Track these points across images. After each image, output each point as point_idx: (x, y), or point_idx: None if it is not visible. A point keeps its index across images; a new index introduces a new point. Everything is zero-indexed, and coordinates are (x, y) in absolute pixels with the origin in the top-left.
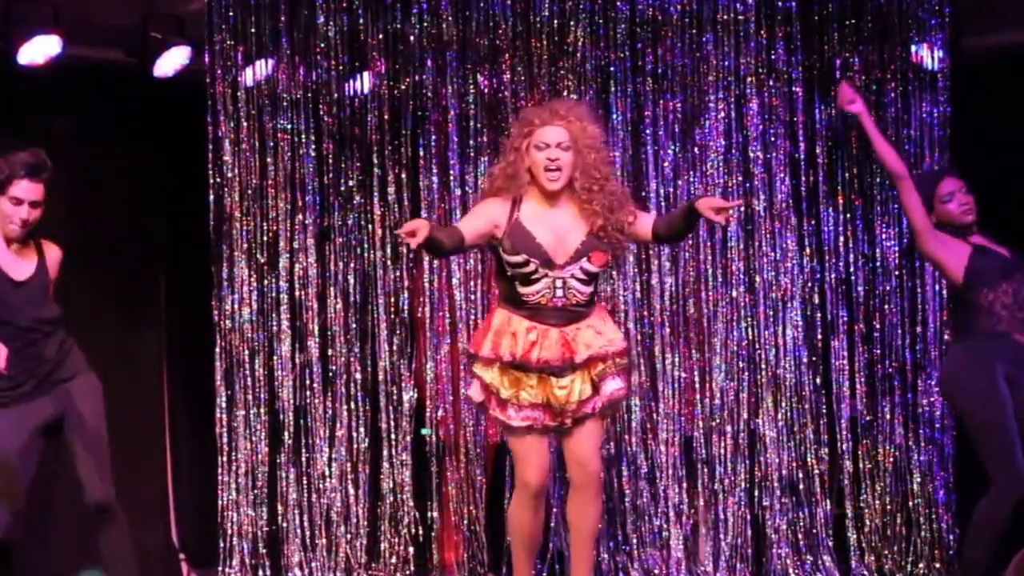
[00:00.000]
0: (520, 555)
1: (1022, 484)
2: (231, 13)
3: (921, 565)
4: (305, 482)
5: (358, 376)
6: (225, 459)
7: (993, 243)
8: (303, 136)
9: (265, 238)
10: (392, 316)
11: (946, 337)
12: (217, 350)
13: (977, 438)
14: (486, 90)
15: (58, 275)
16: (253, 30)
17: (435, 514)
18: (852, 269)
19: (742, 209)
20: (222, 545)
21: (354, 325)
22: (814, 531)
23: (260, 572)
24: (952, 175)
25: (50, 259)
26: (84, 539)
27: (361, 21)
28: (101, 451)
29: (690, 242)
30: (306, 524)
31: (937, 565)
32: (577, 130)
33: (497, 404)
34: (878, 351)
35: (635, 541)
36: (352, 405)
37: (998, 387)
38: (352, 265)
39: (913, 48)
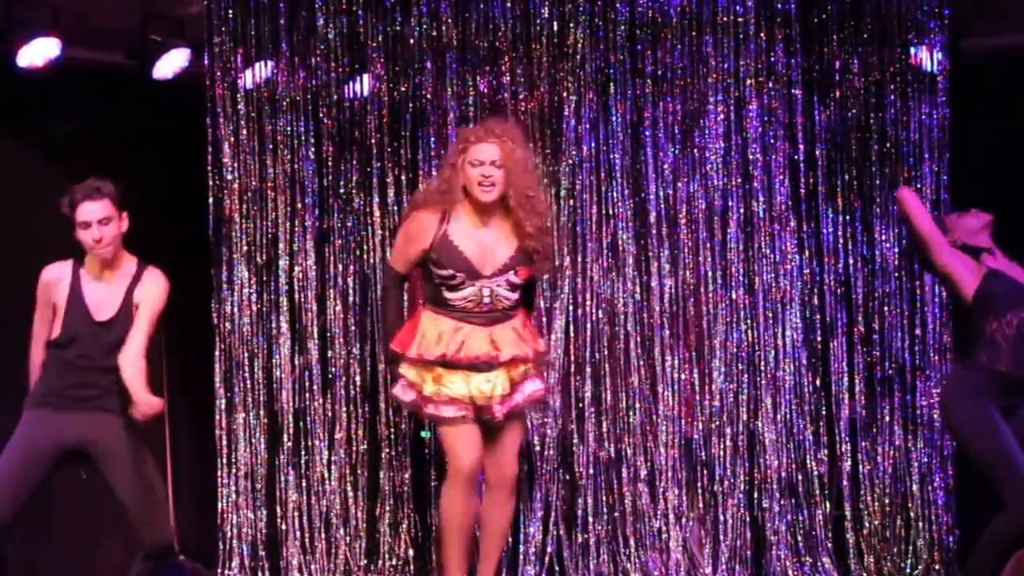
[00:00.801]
0: (453, 546)
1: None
2: (230, 15)
3: (920, 567)
4: (304, 484)
5: (357, 378)
6: (224, 461)
7: (1008, 261)
8: (302, 138)
9: (264, 240)
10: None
11: (946, 339)
12: (216, 352)
13: (979, 467)
14: (486, 92)
15: (161, 307)
16: (253, 32)
17: (434, 517)
18: (851, 271)
19: (742, 211)
20: (222, 547)
21: (354, 327)
22: (813, 533)
23: (259, 574)
24: (974, 209)
25: (143, 294)
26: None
27: (361, 23)
28: (159, 491)
29: (689, 244)
30: (305, 526)
31: (936, 567)
32: (508, 150)
33: (424, 400)
34: (877, 353)
35: (634, 544)
36: (351, 407)
37: (989, 416)
38: (351, 267)
39: (912, 50)
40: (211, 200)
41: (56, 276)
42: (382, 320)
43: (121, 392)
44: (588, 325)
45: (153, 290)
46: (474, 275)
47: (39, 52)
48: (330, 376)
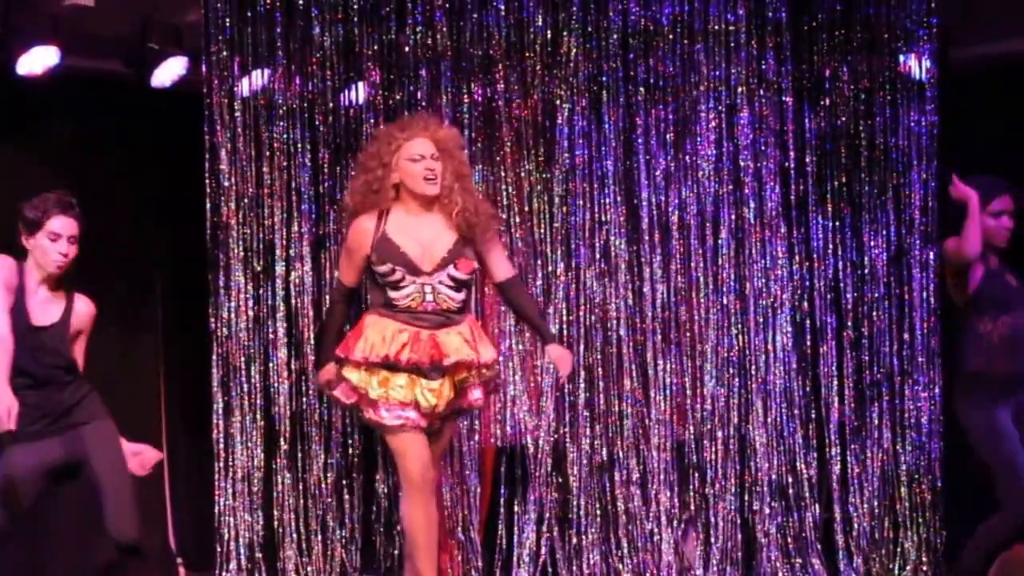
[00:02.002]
0: (423, 559)
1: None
2: (228, 24)
3: (908, 568)
4: (301, 487)
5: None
6: (222, 465)
7: (1007, 269)
8: (299, 145)
9: (261, 246)
10: None
11: (933, 344)
12: (214, 357)
13: (987, 466)
14: (480, 100)
15: (89, 331)
16: (250, 41)
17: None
18: (841, 276)
19: (733, 217)
20: (219, 549)
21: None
22: (803, 535)
23: (256, 575)
24: (1010, 194)
25: (78, 311)
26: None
27: (356, 32)
28: (125, 493)
29: (680, 250)
30: (302, 529)
31: (924, 568)
32: (442, 136)
33: (368, 404)
34: (866, 357)
35: (627, 545)
36: (347, 412)
37: (994, 419)
38: None
39: (901, 58)
40: (208, 206)
41: (9, 266)
42: (321, 330)
43: (91, 401)
44: (581, 330)
45: (87, 314)
46: (414, 271)
47: (38, 60)
48: None
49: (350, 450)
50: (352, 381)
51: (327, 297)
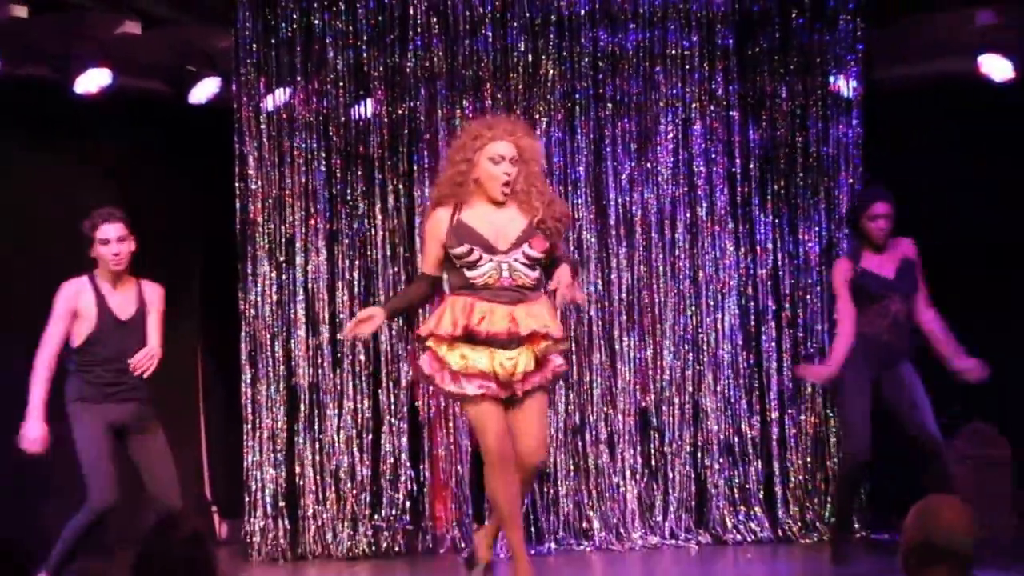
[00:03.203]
0: (511, 527)
1: (859, 456)
2: (254, 49)
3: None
4: (318, 446)
5: (362, 357)
6: (250, 427)
7: (887, 259)
8: (315, 153)
9: (283, 240)
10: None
11: None
12: (243, 335)
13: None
14: (470, 114)
15: (163, 308)
16: (273, 63)
17: (427, 473)
18: (779, 266)
19: (688, 215)
20: (247, 499)
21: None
22: (747, 486)
23: (280, 521)
24: (885, 200)
25: (149, 296)
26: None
27: (364, 55)
28: (170, 465)
29: (642, 243)
30: (319, 481)
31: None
32: (524, 144)
33: (450, 378)
34: (801, 334)
35: (596, 497)
36: (357, 381)
37: (845, 381)
38: (357, 263)
39: (831, 79)
40: (238, 206)
41: (78, 288)
42: (400, 295)
43: (147, 383)
44: (557, 312)
45: (156, 296)
46: (490, 250)
47: (93, 81)
48: (339, 355)
49: (359, 414)
50: (438, 353)
51: (340, 283)
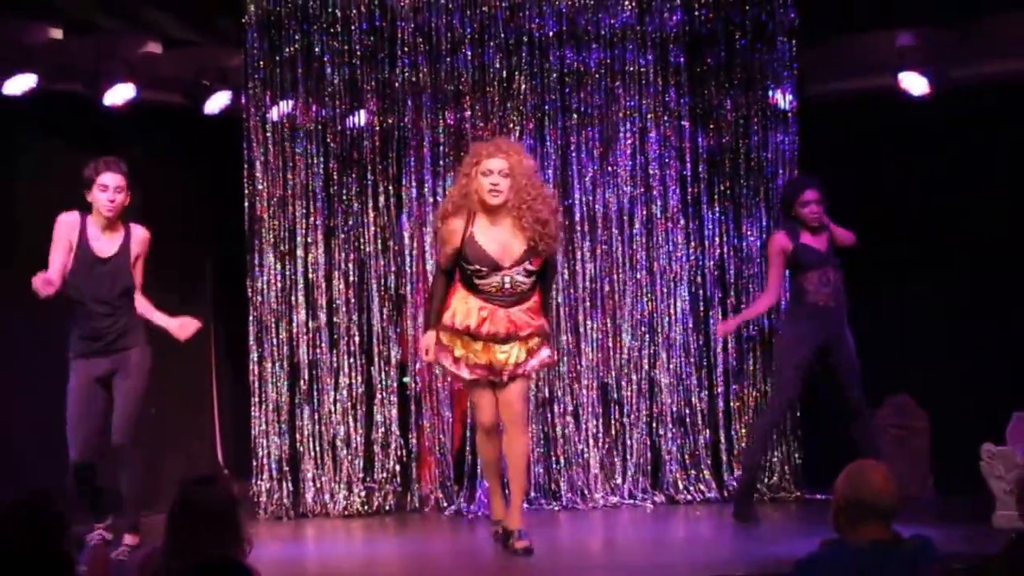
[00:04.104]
0: (490, 476)
1: (795, 395)
2: (262, 66)
3: (775, 477)
4: (317, 417)
5: (356, 338)
6: (256, 400)
7: (821, 236)
8: (314, 158)
9: (286, 234)
10: (382, 293)
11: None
12: (250, 318)
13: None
14: (452, 123)
15: (147, 252)
16: (278, 79)
17: (414, 441)
18: (725, 258)
19: (644, 212)
20: (254, 464)
21: (353, 300)
22: (697, 453)
23: (283, 484)
24: (814, 187)
25: (135, 238)
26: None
27: (358, 71)
28: (132, 407)
29: (604, 237)
30: (318, 448)
31: (787, 476)
32: (515, 162)
33: (452, 360)
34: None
35: (563, 462)
36: (352, 359)
37: (804, 346)
38: (351, 255)
39: (770, 93)
40: (246, 204)
41: (72, 219)
42: (428, 300)
43: (135, 329)
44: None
45: (141, 238)
46: (496, 267)
47: (119, 95)
48: (335, 337)
49: (354, 388)
50: (443, 341)
51: (337, 272)
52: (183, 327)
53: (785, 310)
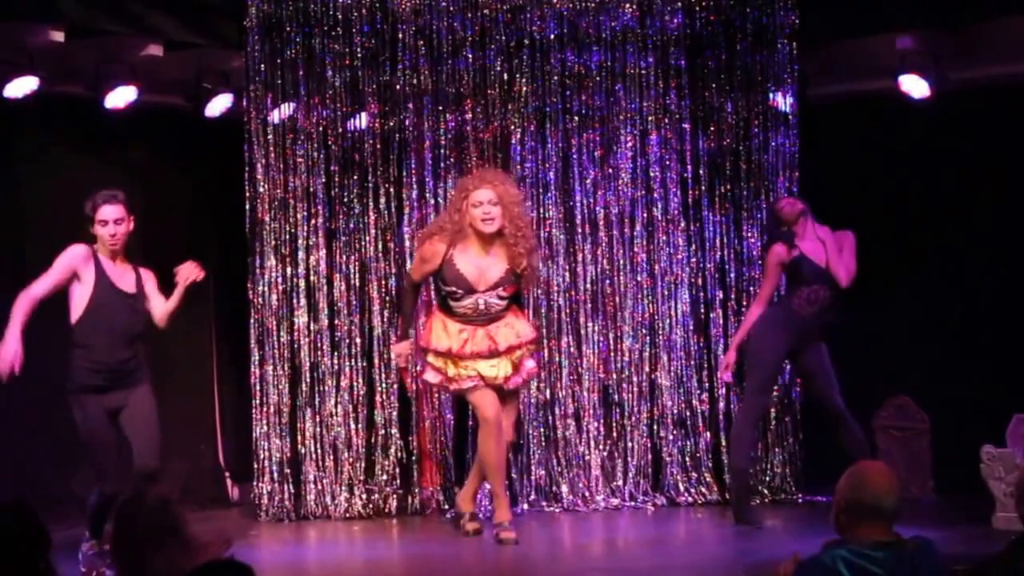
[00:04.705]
0: (493, 478)
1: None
2: (263, 68)
3: (777, 479)
4: (318, 419)
5: (357, 340)
6: (258, 402)
7: (817, 241)
8: (315, 160)
9: (287, 236)
10: (383, 296)
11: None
12: (251, 321)
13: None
14: (453, 126)
15: (156, 289)
16: (279, 81)
17: (415, 443)
18: (726, 260)
19: (645, 215)
20: (256, 466)
21: (355, 302)
22: (697, 455)
23: (285, 486)
24: (792, 198)
25: (146, 279)
26: None
27: (359, 73)
28: (155, 430)
29: (605, 239)
30: (319, 450)
31: (788, 479)
32: (502, 191)
33: (449, 380)
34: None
35: (564, 464)
36: (353, 362)
37: (781, 344)
38: (352, 258)
39: (771, 95)
40: (247, 207)
41: (85, 253)
42: (399, 311)
43: (144, 366)
44: (531, 300)
45: (151, 279)
46: (471, 291)
47: (121, 97)
48: (336, 339)
49: (354, 390)
50: (435, 365)
51: (338, 275)
52: (187, 270)
53: (767, 311)
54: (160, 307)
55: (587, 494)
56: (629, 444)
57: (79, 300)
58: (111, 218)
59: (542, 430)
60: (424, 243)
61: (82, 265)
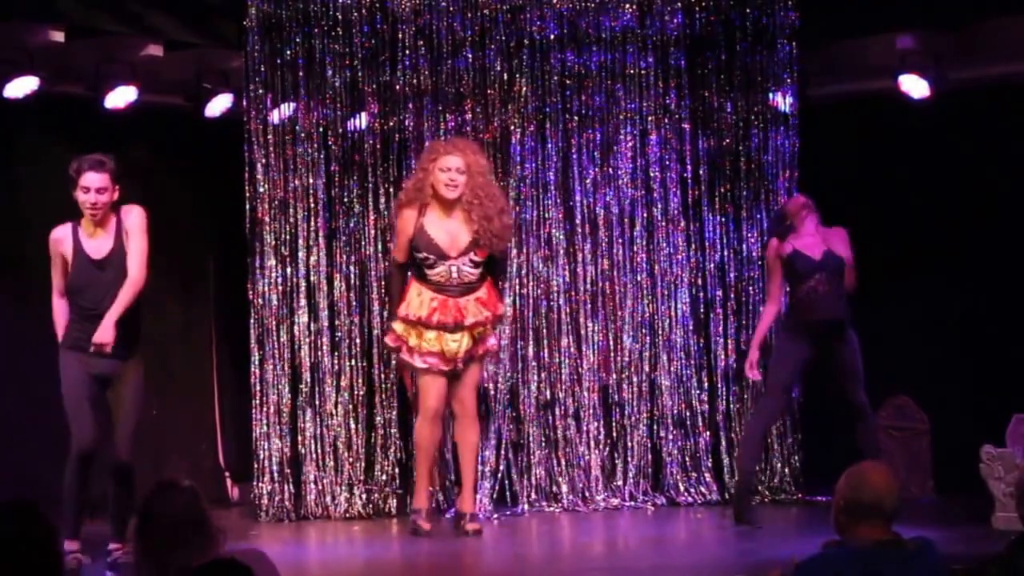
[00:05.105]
0: (422, 462)
1: (784, 404)
2: (262, 69)
3: (775, 479)
4: (318, 419)
5: (357, 340)
6: (258, 402)
7: (817, 240)
8: (316, 160)
9: (287, 237)
10: (383, 296)
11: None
12: (252, 321)
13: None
14: (453, 127)
15: (141, 226)
16: (279, 81)
17: (415, 443)
18: (726, 260)
19: (645, 215)
20: (256, 466)
21: (355, 302)
22: (697, 455)
23: (285, 486)
24: (800, 196)
25: (127, 224)
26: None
27: (359, 74)
28: (133, 422)
29: (605, 239)
30: (319, 450)
31: (788, 479)
32: (472, 160)
33: (407, 349)
34: (745, 321)
35: (564, 464)
36: (353, 362)
37: (788, 349)
38: (353, 258)
39: (771, 95)
40: (247, 207)
41: (62, 233)
42: (388, 295)
43: (135, 341)
44: (530, 300)
45: (134, 218)
46: (443, 256)
47: (121, 97)
48: (337, 339)
49: (355, 391)
50: (397, 331)
51: (338, 275)
52: (103, 345)
53: (782, 317)
54: (131, 263)
55: (587, 494)
56: (629, 444)
57: (67, 278)
58: (94, 186)
59: (542, 430)
60: (398, 215)
61: (63, 246)
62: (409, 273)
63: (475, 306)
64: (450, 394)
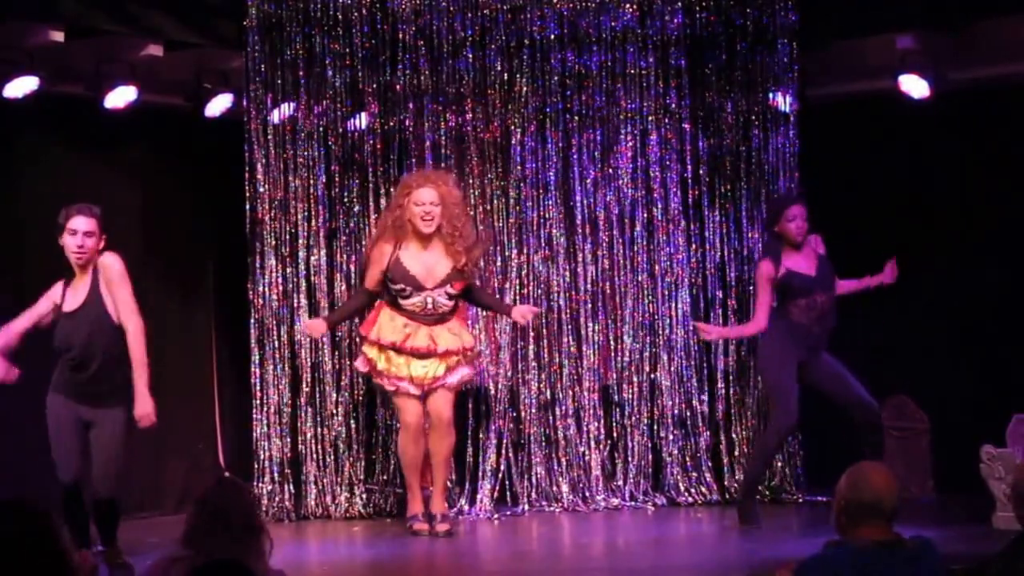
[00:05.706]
0: (411, 476)
1: (791, 420)
2: (263, 68)
3: (776, 479)
4: (318, 419)
5: (357, 341)
6: (258, 402)
7: (810, 256)
8: (316, 160)
9: (288, 237)
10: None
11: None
12: (252, 321)
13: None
14: (453, 126)
15: (119, 277)
16: (279, 81)
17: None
18: (726, 260)
19: (645, 215)
20: (256, 466)
21: None
22: (698, 455)
23: (285, 486)
24: (800, 203)
25: (106, 274)
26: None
27: (360, 74)
28: (111, 459)
29: (605, 239)
30: (319, 450)
31: (790, 478)
32: (444, 192)
33: (376, 373)
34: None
35: (564, 464)
36: (353, 362)
37: (787, 359)
38: (353, 257)
39: (771, 95)
40: (248, 207)
41: (55, 291)
42: (341, 305)
43: (124, 390)
44: (530, 300)
45: (108, 266)
46: (420, 288)
47: (121, 97)
48: (337, 339)
49: (355, 391)
50: (368, 355)
51: (339, 275)
52: (144, 416)
53: (768, 326)
54: (123, 313)
55: (587, 494)
56: (629, 444)
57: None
58: (81, 229)
59: (542, 430)
60: (372, 247)
61: (56, 295)
62: (379, 300)
63: (447, 335)
64: (425, 406)
